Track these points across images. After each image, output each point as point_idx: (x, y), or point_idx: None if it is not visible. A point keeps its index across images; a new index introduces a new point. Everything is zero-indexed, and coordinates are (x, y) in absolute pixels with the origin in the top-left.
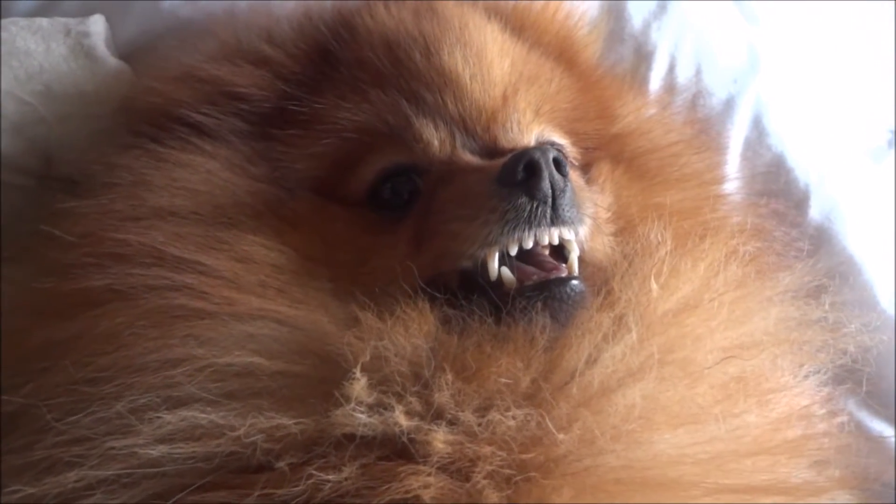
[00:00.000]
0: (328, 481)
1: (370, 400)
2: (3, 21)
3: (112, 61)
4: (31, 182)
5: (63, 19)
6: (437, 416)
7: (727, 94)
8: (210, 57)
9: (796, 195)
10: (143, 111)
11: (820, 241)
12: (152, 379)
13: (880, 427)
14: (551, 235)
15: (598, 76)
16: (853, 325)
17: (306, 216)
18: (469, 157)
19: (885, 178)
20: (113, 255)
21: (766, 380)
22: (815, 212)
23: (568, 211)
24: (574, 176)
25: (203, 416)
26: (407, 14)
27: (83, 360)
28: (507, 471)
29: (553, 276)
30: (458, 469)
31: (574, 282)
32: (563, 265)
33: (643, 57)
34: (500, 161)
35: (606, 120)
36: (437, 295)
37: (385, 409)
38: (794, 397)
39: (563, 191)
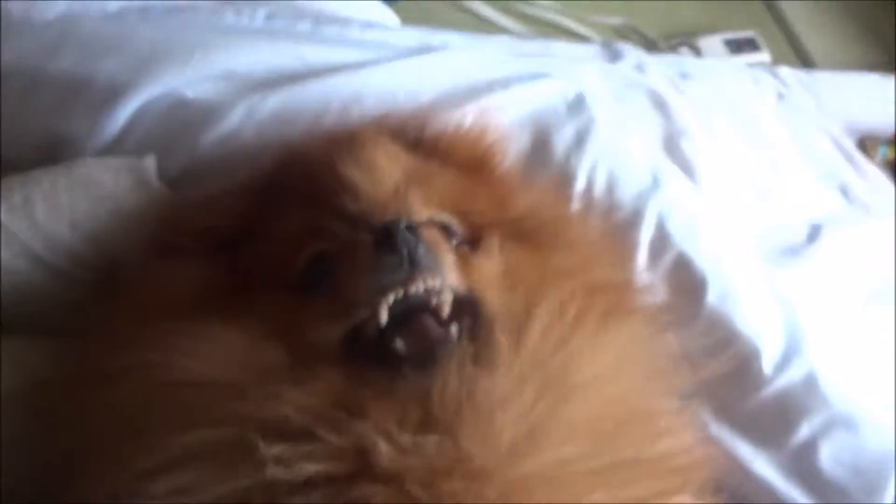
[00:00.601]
0: None
1: (284, 455)
2: (82, 160)
3: (165, 191)
4: (92, 276)
5: (126, 158)
6: (364, 443)
7: (633, 206)
8: (192, 206)
9: (694, 281)
10: (149, 239)
11: (713, 320)
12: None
13: (775, 479)
14: (417, 284)
15: (494, 176)
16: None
17: (256, 306)
18: (361, 235)
19: (797, 273)
20: (120, 343)
21: (638, 405)
22: (711, 296)
23: (424, 259)
24: (433, 237)
25: (185, 478)
26: (323, 146)
27: (102, 425)
28: (435, 481)
29: (435, 342)
30: (396, 481)
31: (449, 344)
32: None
33: (567, 178)
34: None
35: (500, 207)
36: (355, 350)
37: (294, 460)
38: (670, 424)
39: (416, 246)
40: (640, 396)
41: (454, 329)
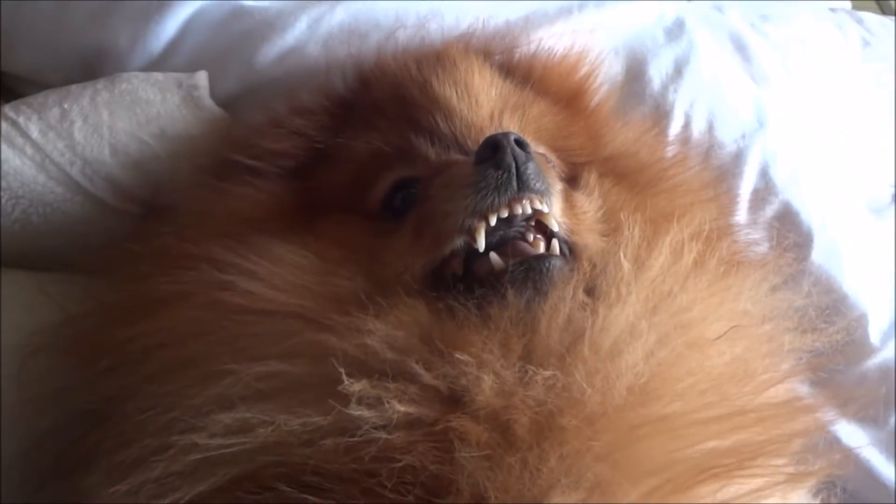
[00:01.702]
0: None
1: (369, 394)
2: (125, 75)
3: (215, 109)
4: (136, 209)
5: (175, 74)
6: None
7: (736, 147)
8: (258, 127)
9: (800, 237)
10: (215, 159)
11: (819, 278)
12: (205, 382)
13: (875, 456)
14: (524, 205)
15: (589, 110)
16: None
17: (329, 229)
18: (456, 156)
19: (886, 229)
20: (179, 264)
21: (753, 360)
22: (816, 254)
23: (534, 181)
24: (540, 160)
25: (249, 414)
26: (411, 62)
27: (148, 357)
28: (542, 420)
29: (536, 256)
30: (496, 420)
31: (554, 259)
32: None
33: (662, 115)
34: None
35: (596, 143)
36: (439, 286)
37: (381, 401)
38: (779, 379)
39: (526, 163)
40: (755, 352)
41: (558, 245)
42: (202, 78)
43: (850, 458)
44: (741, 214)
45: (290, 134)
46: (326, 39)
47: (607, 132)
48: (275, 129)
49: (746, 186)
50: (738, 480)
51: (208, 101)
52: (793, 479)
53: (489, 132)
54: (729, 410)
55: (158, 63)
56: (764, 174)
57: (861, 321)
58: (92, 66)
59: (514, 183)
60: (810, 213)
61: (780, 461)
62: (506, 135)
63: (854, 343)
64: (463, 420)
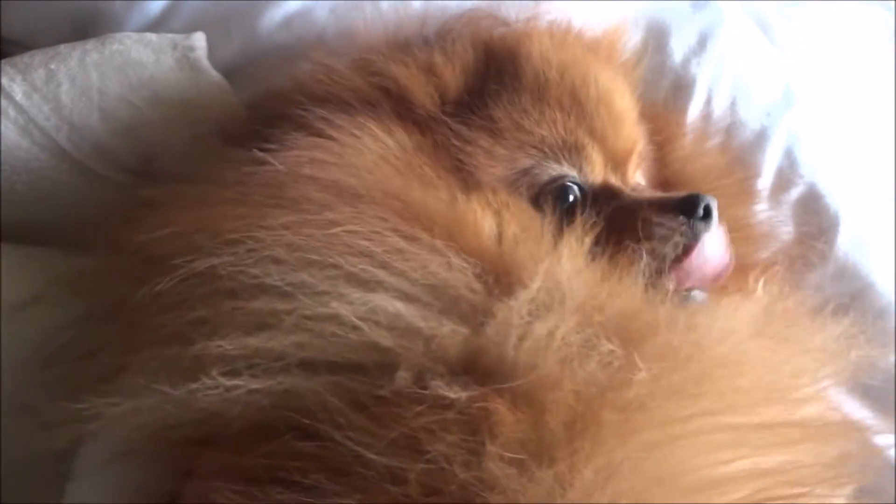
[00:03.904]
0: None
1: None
2: (117, 35)
3: (213, 74)
4: (126, 179)
5: (170, 35)
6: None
7: (760, 125)
8: (379, 50)
9: (826, 221)
10: (315, 94)
11: (845, 267)
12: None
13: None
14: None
15: (667, 126)
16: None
17: (498, 202)
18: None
19: None
20: (333, 180)
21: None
22: (843, 238)
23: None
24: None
25: (404, 308)
26: (578, 50)
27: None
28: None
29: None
30: (535, 404)
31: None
32: None
33: (682, 89)
34: (677, 195)
35: (660, 160)
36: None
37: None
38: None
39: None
40: (782, 362)
41: None
42: (199, 39)
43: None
44: (764, 193)
45: (426, 77)
46: (334, 4)
47: (669, 148)
48: (407, 62)
49: (770, 166)
50: None
51: (205, 64)
52: None
53: (632, 159)
54: (772, 418)
55: (156, 27)
56: (789, 154)
57: (888, 311)
58: (86, 31)
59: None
60: (836, 198)
61: (837, 491)
62: (714, 200)
63: (880, 335)
64: (495, 402)
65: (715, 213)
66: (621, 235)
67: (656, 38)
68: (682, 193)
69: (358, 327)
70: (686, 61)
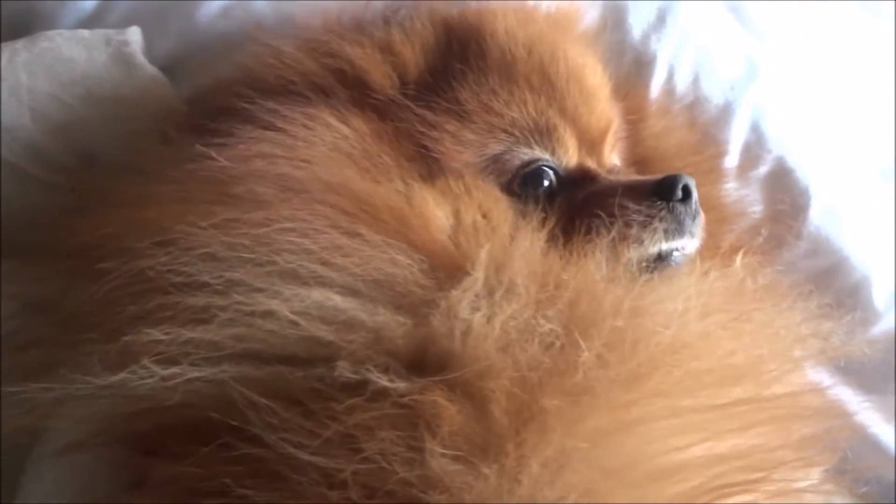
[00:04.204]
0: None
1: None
2: (49, 33)
3: (149, 68)
4: (61, 180)
5: (103, 30)
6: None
7: (725, 100)
8: (332, 32)
9: (797, 196)
10: (263, 82)
11: (818, 242)
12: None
13: (877, 424)
14: (686, 245)
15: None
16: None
17: (460, 189)
18: (630, 177)
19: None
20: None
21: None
22: (815, 212)
23: (696, 227)
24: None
25: (334, 300)
26: (544, 26)
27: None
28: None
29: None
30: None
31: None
32: None
33: (643, 66)
34: (653, 178)
35: (632, 138)
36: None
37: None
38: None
39: (697, 211)
40: (752, 343)
41: None
42: (134, 33)
43: (852, 426)
44: (731, 170)
45: (384, 56)
46: None
47: (643, 127)
48: (363, 42)
49: (737, 141)
50: (749, 497)
51: (141, 59)
52: (801, 495)
53: (608, 138)
54: (733, 399)
55: (90, 23)
56: (755, 128)
57: (863, 284)
58: (22, 31)
59: (690, 228)
60: (807, 172)
61: (798, 473)
62: (692, 179)
63: (857, 309)
64: (435, 393)
65: (694, 193)
66: (595, 220)
67: (614, 14)
68: (658, 176)
69: (295, 322)
70: (645, 37)
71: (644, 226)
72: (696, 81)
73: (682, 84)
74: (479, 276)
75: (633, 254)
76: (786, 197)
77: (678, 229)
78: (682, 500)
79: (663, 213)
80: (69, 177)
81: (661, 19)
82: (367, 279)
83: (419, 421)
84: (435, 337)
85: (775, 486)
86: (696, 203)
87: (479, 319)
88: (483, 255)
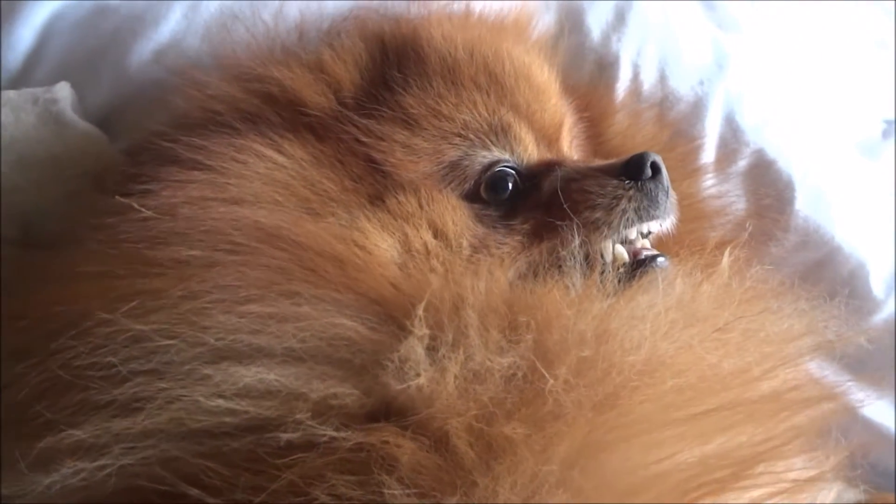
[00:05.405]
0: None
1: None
2: None
3: (81, 124)
4: (6, 250)
5: (30, 89)
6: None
7: (695, 95)
8: (257, 59)
9: (782, 189)
10: (187, 117)
11: (807, 233)
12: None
13: (879, 412)
14: (661, 224)
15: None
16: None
17: (411, 206)
18: (576, 159)
19: (880, 169)
20: (207, 230)
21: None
22: (800, 203)
23: (669, 207)
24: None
25: (271, 375)
26: (483, 30)
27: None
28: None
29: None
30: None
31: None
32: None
33: (606, 67)
34: (620, 159)
35: (596, 137)
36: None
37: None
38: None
39: (668, 188)
40: (739, 351)
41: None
42: (62, 89)
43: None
44: (708, 166)
45: (314, 75)
46: (207, 29)
47: (604, 123)
48: (290, 65)
49: (711, 135)
50: (735, 494)
51: (71, 116)
52: (799, 487)
53: (564, 131)
54: (716, 405)
55: (21, 78)
56: (730, 121)
57: (860, 272)
58: None
59: (665, 204)
60: (789, 161)
61: (783, 465)
62: (658, 156)
63: (855, 299)
64: (387, 434)
65: (664, 170)
66: (564, 211)
67: (571, 17)
68: (625, 157)
69: (231, 409)
70: (606, 38)
71: (610, 209)
72: (662, 79)
73: (648, 82)
74: (423, 332)
75: (607, 253)
76: (770, 190)
77: (652, 206)
78: (666, 500)
79: (632, 192)
80: (12, 246)
81: (620, 18)
82: (309, 346)
83: (372, 461)
84: (388, 395)
85: (763, 478)
86: (666, 179)
87: (430, 376)
88: (420, 310)
